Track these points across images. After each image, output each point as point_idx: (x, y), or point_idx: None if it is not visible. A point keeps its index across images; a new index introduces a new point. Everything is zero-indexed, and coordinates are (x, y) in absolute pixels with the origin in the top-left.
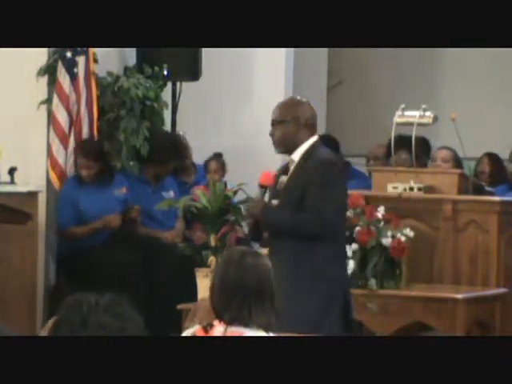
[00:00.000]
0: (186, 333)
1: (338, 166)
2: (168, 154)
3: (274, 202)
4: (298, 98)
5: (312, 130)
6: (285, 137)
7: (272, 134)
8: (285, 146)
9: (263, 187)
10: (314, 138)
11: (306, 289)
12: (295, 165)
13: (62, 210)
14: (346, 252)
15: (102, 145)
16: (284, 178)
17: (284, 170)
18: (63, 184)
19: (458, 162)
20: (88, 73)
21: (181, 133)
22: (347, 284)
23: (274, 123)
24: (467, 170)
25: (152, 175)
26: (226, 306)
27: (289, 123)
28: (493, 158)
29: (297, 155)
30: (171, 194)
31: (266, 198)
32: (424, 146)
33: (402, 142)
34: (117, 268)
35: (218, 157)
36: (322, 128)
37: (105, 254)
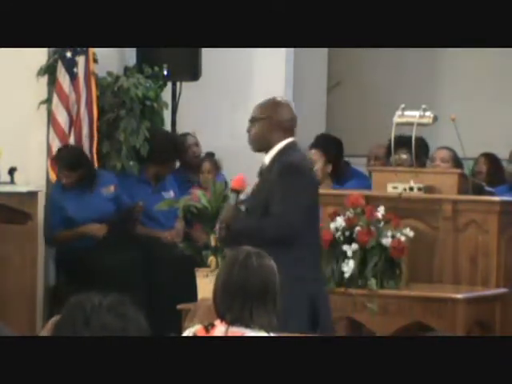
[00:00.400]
0: (187, 332)
1: (303, 168)
2: (168, 154)
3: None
4: (280, 99)
5: (287, 132)
6: (259, 135)
7: (248, 131)
8: (259, 144)
9: (235, 191)
10: (288, 141)
11: None
12: (265, 168)
13: (50, 215)
14: (318, 253)
15: (79, 151)
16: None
17: (259, 172)
18: (50, 189)
19: (457, 162)
20: (88, 73)
21: (190, 131)
22: (319, 285)
23: (252, 120)
24: (467, 170)
25: (152, 175)
26: (228, 306)
27: (264, 122)
28: (490, 158)
29: (268, 158)
30: (171, 193)
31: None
32: (423, 146)
33: (402, 142)
34: (116, 268)
35: (210, 156)
36: (322, 128)
37: (104, 254)
